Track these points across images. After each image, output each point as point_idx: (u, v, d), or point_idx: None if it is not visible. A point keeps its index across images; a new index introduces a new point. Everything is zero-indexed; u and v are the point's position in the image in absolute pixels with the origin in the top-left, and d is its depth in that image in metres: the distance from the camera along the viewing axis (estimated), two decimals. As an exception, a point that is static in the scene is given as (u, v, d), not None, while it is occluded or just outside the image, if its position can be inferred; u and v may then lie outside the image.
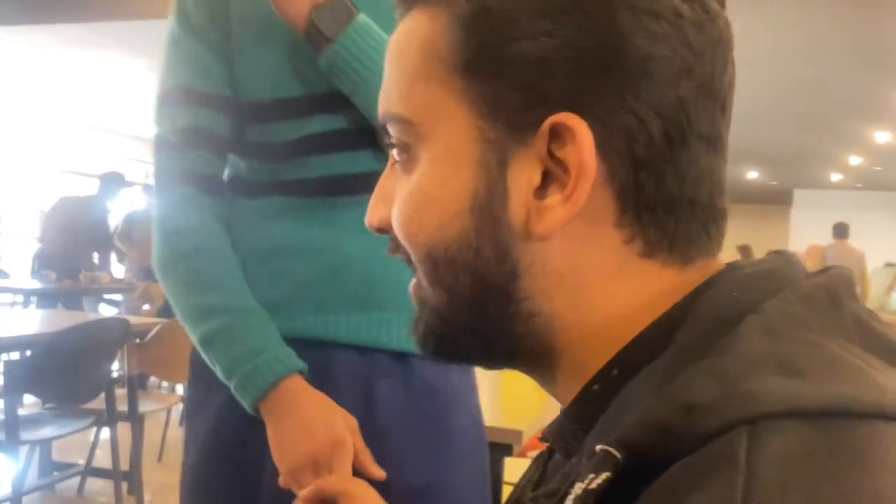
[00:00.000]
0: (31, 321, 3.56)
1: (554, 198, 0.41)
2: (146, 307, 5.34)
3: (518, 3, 0.41)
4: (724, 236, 0.46)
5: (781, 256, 0.45)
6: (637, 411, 0.36)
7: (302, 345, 0.97)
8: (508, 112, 0.41)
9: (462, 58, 0.42)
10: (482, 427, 1.09)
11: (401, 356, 1.00)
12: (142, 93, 7.99)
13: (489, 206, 0.42)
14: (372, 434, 0.95)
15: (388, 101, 0.46)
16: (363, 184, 0.98)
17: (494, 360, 0.48)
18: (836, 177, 12.32)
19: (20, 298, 5.82)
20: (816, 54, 5.81)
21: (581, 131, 0.40)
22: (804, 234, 11.15)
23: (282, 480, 0.92)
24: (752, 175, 12.87)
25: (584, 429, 0.42)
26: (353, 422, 0.94)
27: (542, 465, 0.53)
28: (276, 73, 1.00)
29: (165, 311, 4.96)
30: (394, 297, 0.98)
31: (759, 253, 0.47)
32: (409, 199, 0.45)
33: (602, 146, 0.40)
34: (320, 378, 0.97)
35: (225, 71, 1.02)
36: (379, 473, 0.93)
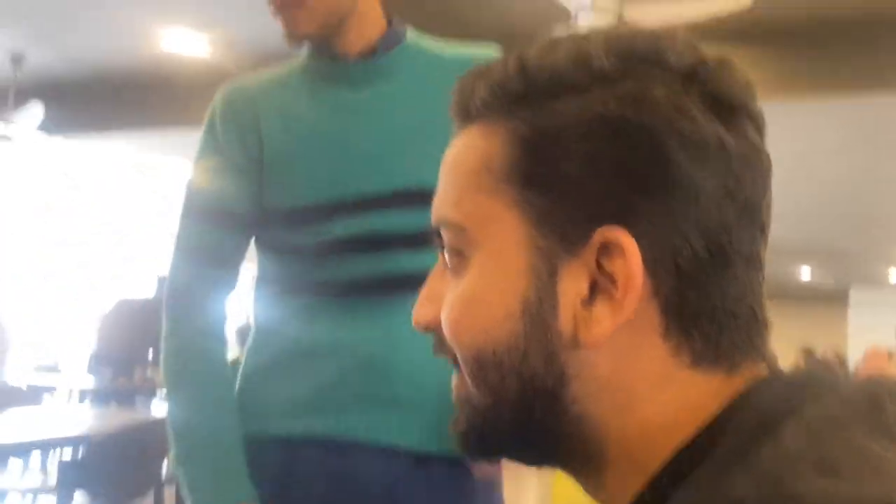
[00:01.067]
0: (86, 419, 3.62)
1: (602, 308, 0.43)
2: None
3: (572, 126, 0.43)
4: (768, 344, 0.47)
5: (821, 362, 0.47)
6: None
7: (323, 448, 1.00)
8: (559, 224, 0.44)
9: (517, 171, 0.45)
10: None
11: (423, 457, 1.00)
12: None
13: (539, 312, 0.44)
14: None
15: (443, 207, 0.48)
16: (387, 285, 1.03)
17: (536, 459, 0.49)
18: (895, 275, 12.02)
19: (76, 395, 5.92)
20: (865, 150, 5.79)
21: (629, 247, 0.42)
22: (863, 334, 10.80)
23: None
24: (806, 274, 12.63)
25: None
26: None
27: None
28: (306, 182, 1.06)
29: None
30: (415, 396, 1.00)
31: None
32: (459, 301, 0.46)
33: (648, 261, 0.42)
34: (342, 480, 0.98)
35: (245, 187, 1.09)
36: None
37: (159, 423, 3.31)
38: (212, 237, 1.10)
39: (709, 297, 0.43)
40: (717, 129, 0.43)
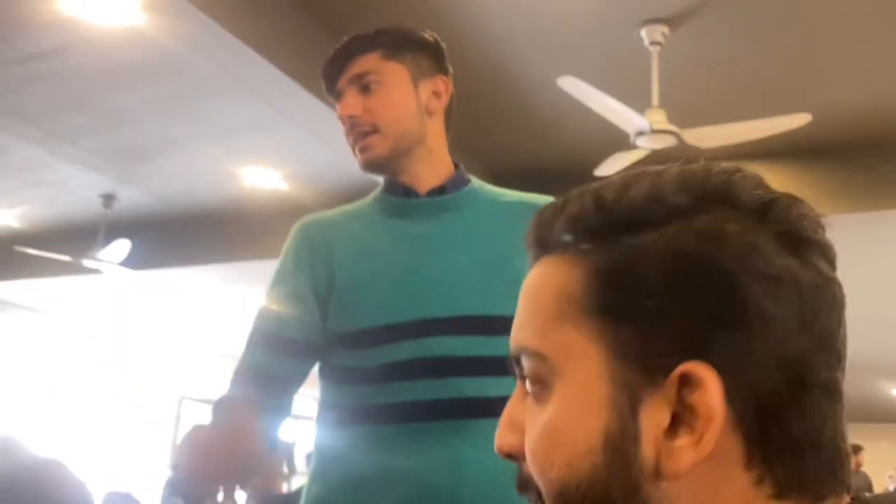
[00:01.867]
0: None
1: (683, 440, 0.43)
2: (266, 536, 5.31)
3: (650, 261, 0.45)
4: (850, 475, 0.47)
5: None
6: None
7: None
8: (641, 357, 0.44)
9: (598, 304, 0.46)
10: None
11: None
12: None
13: (621, 445, 0.44)
14: None
15: (524, 334, 0.49)
16: (450, 411, 1.03)
17: None
18: None
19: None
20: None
21: (710, 381, 0.42)
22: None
23: None
24: (897, 392, 11.95)
25: None
26: None
27: None
28: (374, 306, 1.10)
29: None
30: None
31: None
32: (544, 433, 0.46)
33: (729, 394, 0.43)
34: None
35: (308, 316, 1.15)
36: None
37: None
38: (271, 363, 1.15)
39: (790, 428, 0.43)
40: (790, 262, 0.44)
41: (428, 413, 1.05)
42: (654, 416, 0.43)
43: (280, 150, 4.99)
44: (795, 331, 0.44)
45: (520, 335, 0.49)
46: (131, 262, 5.93)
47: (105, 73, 4.05)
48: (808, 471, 0.44)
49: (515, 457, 0.48)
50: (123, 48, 3.73)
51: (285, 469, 7.13)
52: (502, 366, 1.04)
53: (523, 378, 0.49)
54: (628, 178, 0.48)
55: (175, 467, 5.49)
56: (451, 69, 1.24)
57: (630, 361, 0.44)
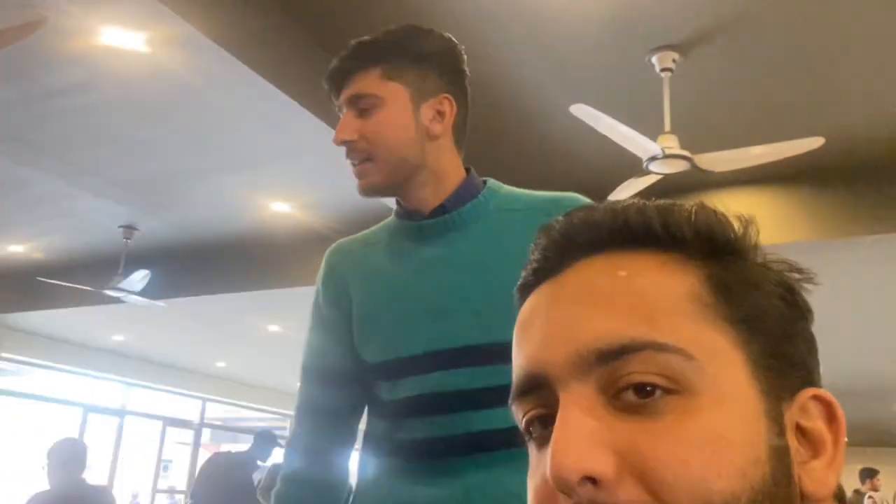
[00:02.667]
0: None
1: (820, 462, 0.44)
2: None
3: (771, 288, 0.46)
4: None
5: None
6: None
7: None
8: (776, 374, 0.44)
9: (731, 313, 0.44)
10: None
11: None
12: (286, 353, 8.53)
13: (786, 458, 0.42)
14: None
15: (640, 329, 0.42)
16: (462, 446, 1.02)
17: None
18: None
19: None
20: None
21: (837, 405, 0.45)
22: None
23: None
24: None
25: None
26: None
27: None
28: (382, 339, 1.10)
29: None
30: None
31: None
32: (705, 440, 0.40)
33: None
34: None
35: (343, 344, 1.14)
36: None
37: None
38: (319, 395, 1.16)
39: None
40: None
41: (441, 449, 1.04)
42: (791, 435, 0.43)
43: (297, 179, 5.04)
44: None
45: (631, 329, 0.42)
46: (150, 291, 6.00)
47: (125, 107, 4.13)
48: None
49: (603, 480, 0.40)
50: (143, 82, 3.81)
51: None
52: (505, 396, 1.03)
53: (606, 385, 0.42)
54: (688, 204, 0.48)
55: (194, 494, 5.42)
56: (467, 72, 1.17)
57: (771, 374, 0.44)
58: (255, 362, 10.13)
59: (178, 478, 12.12)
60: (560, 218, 0.50)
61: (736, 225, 0.47)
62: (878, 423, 11.74)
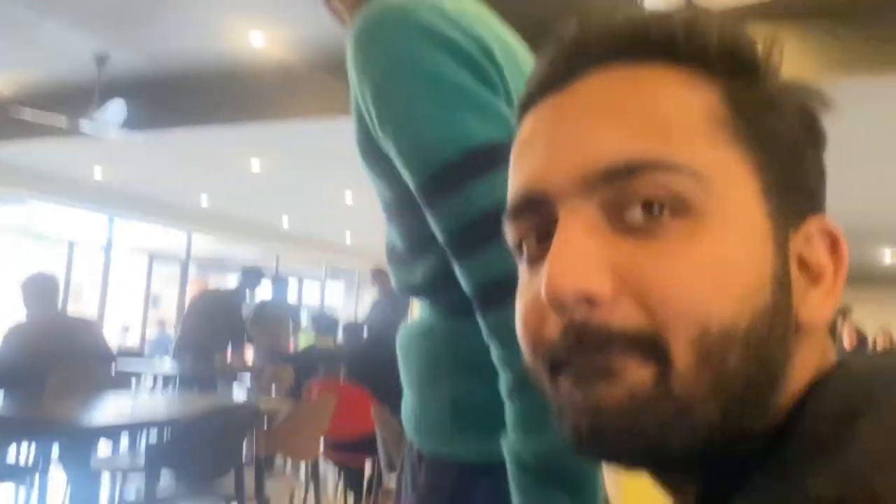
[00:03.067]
0: (171, 403, 3.79)
1: (818, 292, 0.43)
2: (274, 389, 5.57)
3: (790, 110, 0.44)
4: None
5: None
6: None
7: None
8: (785, 198, 0.42)
9: (749, 132, 0.42)
10: None
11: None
12: (271, 189, 8.52)
13: (787, 285, 0.41)
14: None
15: (654, 145, 0.40)
16: None
17: (684, 462, 0.42)
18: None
19: (161, 381, 6.20)
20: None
21: (842, 237, 0.44)
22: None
23: None
24: (889, 257, 12.13)
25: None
26: None
27: None
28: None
29: (292, 393, 5.17)
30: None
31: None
32: (710, 263, 0.39)
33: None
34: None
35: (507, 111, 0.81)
36: None
37: (239, 407, 3.47)
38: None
39: None
40: None
41: None
42: (794, 262, 0.42)
43: (272, 9, 4.83)
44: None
45: (644, 145, 0.40)
46: (128, 124, 5.87)
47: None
48: None
49: (599, 300, 0.39)
50: None
51: (291, 328, 7.37)
52: None
53: (611, 203, 0.40)
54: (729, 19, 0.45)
55: (184, 327, 5.68)
56: None
57: (777, 201, 0.42)
58: (240, 198, 10.13)
59: (168, 312, 12.44)
60: (573, 24, 0.46)
61: (760, 44, 0.44)
62: (862, 266, 12.12)
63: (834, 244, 0.44)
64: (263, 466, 3.34)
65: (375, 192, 0.94)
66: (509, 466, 0.76)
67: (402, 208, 0.88)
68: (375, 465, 3.71)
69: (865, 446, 0.35)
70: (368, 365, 4.22)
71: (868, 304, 10.05)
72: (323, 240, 13.23)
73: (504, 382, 0.77)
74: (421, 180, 0.79)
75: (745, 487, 0.38)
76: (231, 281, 7.42)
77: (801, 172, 0.44)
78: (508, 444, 0.76)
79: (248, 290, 6.53)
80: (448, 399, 0.87)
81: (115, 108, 5.61)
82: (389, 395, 2.22)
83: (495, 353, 0.77)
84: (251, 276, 6.55)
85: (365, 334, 5.89)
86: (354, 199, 9.38)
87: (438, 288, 0.88)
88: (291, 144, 7.12)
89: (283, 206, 10.65)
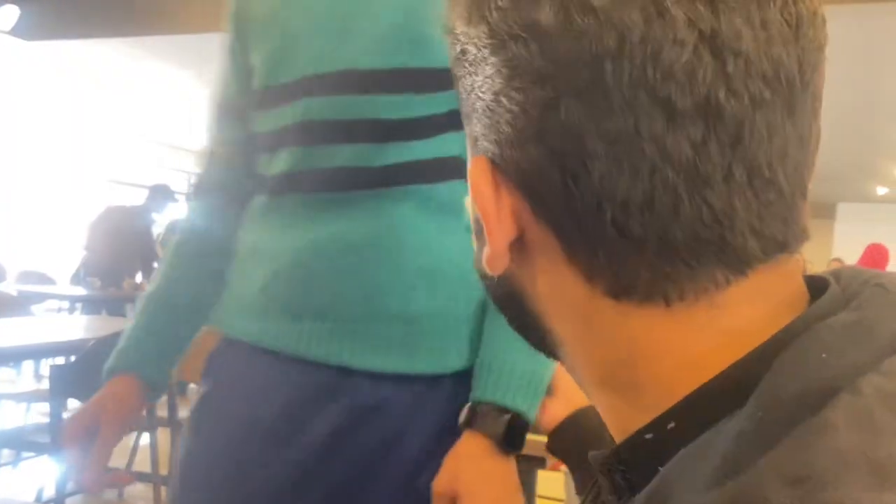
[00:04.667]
0: (76, 327, 3.64)
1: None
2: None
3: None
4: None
5: (881, 291, 0.36)
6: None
7: (249, 349, 0.99)
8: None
9: None
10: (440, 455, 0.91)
11: (344, 371, 0.92)
12: (188, 104, 8.14)
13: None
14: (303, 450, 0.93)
15: None
16: (319, 181, 0.95)
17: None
18: (882, 190, 12.06)
19: (66, 304, 5.96)
20: (852, 64, 5.70)
21: (480, 162, 0.42)
22: (848, 249, 10.92)
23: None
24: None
25: (629, 478, 0.37)
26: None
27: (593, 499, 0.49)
28: (267, 63, 1.00)
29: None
30: (335, 305, 0.93)
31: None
32: None
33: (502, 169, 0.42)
34: (259, 388, 0.97)
35: (239, 75, 1.06)
36: None
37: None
38: (222, 132, 1.09)
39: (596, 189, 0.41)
40: None
41: (301, 185, 0.96)
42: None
43: None
44: None
45: None
46: (21, 31, 5.45)
47: None
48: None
49: None
50: None
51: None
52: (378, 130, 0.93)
53: None
54: None
55: (89, 247, 5.45)
56: None
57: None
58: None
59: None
60: None
61: None
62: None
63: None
64: (175, 391, 3.26)
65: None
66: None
67: None
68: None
69: (828, 445, 0.30)
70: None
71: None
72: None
73: None
74: None
75: (676, 468, 0.34)
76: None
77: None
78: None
79: (156, 207, 6.22)
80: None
81: (6, 13, 5.19)
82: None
83: None
84: (160, 192, 6.23)
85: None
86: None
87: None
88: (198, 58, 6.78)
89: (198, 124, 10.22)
